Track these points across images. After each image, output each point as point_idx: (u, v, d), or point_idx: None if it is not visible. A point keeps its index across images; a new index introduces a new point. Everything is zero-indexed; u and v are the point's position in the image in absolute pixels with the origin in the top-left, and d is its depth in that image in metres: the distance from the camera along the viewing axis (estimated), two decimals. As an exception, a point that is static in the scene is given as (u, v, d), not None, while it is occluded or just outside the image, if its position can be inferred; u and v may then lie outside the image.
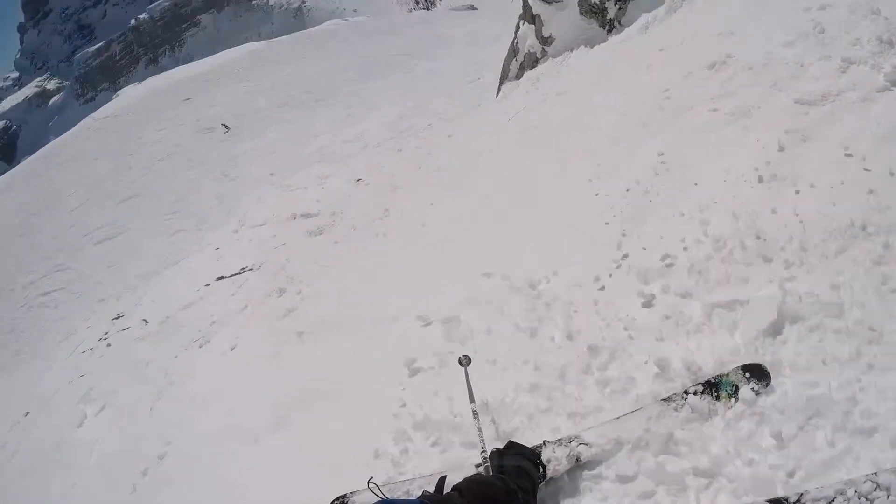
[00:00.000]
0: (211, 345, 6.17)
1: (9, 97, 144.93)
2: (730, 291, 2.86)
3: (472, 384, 2.93)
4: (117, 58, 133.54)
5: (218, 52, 26.93)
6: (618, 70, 6.66)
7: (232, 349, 5.76)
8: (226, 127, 17.02)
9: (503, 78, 10.84)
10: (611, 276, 3.40)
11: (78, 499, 4.95)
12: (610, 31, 8.25)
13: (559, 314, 3.36)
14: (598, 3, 8.46)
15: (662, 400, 2.68)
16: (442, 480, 2.32)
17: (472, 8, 31.04)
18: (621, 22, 8.09)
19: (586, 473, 2.60)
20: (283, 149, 14.95)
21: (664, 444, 2.52)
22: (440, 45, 21.26)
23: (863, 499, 1.94)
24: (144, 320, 7.75)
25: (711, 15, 6.04)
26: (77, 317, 9.89)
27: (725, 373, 2.63)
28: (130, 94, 23.94)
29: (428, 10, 30.89)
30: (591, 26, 8.67)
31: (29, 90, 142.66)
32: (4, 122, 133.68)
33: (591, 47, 8.33)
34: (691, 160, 3.91)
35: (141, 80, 26.77)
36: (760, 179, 3.32)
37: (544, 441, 2.71)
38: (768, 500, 2.10)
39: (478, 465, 2.68)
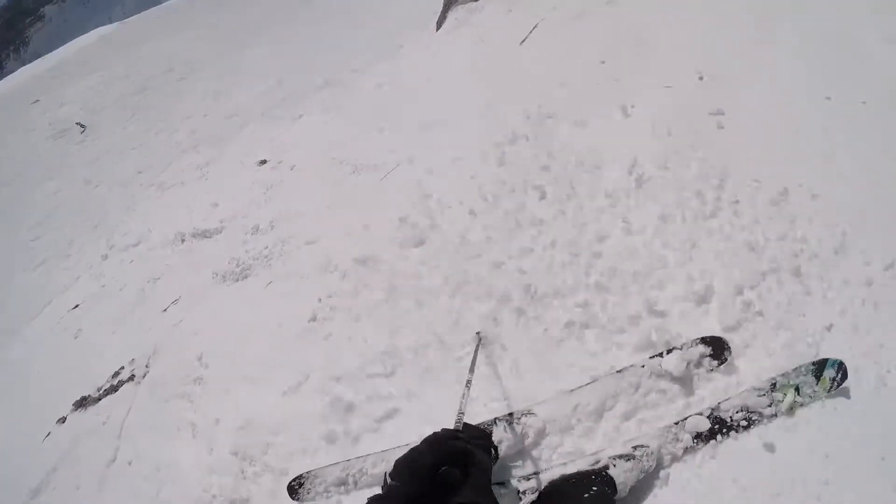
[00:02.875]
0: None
1: None
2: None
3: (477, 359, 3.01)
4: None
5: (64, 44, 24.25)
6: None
7: None
8: (81, 126, 15.13)
9: (450, 1, 8.97)
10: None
11: None
12: None
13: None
14: None
15: (617, 371, 2.85)
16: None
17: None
18: None
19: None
20: (149, 139, 13.22)
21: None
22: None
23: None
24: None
25: None
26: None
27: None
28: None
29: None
30: None
31: None
32: None
33: None
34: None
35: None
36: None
37: (495, 419, 2.83)
38: None
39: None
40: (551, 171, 4.40)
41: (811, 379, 2.58)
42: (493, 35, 7.24)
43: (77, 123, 15.31)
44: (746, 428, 2.61)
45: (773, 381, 2.65)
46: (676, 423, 2.68)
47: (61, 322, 7.11)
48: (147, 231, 8.38)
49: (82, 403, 5.23)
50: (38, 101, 17.86)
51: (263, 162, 8.15)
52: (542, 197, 4.19)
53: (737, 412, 2.65)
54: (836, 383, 2.55)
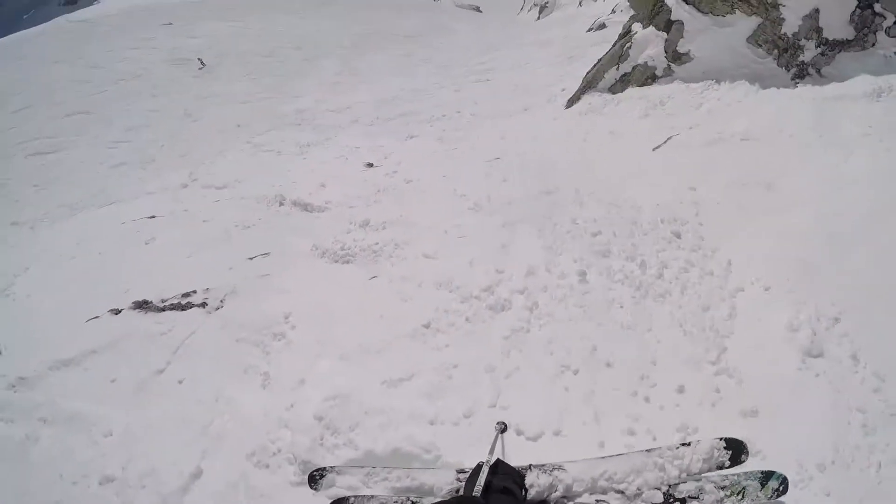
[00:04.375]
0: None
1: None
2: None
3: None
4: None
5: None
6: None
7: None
8: (202, 63, 15.54)
9: (588, 85, 9.00)
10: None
11: None
12: (798, 78, 6.68)
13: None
14: (789, 36, 6.75)
15: (647, 451, 2.98)
16: None
17: (477, 9, 30.05)
18: (821, 72, 6.54)
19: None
20: (258, 101, 13.52)
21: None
22: (444, 34, 20.07)
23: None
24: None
25: None
26: (-23, 235, 8.39)
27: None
28: (113, 4, 22.00)
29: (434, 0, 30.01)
30: (762, 61, 6.98)
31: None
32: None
33: (763, 87, 6.73)
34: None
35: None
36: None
37: (530, 465, 3.00)
38: None
39: (460, 472, 3.06)
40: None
41: (757, 485, 2.79)
42: (625, 132, 7.32)
43: (198, 59, 15.71)
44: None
45: (727, 479, 2.85)
46: (636, 493, 2.87)
47: (133, 225, 7.10)
48: (234, 181, 8.47)
49: (142, 306, 5.17)
50: (170, 23, 18.43)
51: (370, 165, 8.26)
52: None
53: (690, 496, 2.83)
54: (776, 493, 2.76)
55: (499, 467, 2.85)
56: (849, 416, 3.11)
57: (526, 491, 2.87)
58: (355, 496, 3.13)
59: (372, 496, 3.11)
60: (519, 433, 3.40)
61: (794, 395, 3.31)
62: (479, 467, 2.79)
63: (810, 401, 3.25)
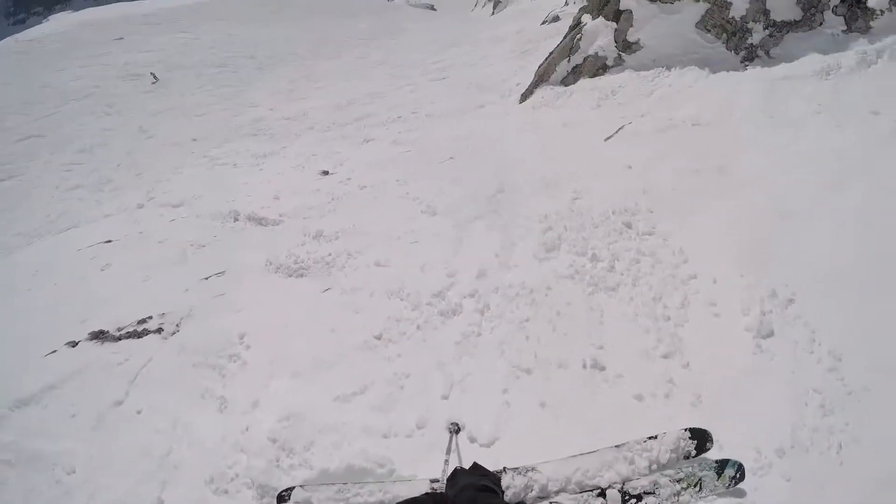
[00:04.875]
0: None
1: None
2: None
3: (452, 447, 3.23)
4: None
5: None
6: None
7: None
8: (154, 77, 15.35)
9: (540, 79, 9.10)
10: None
11: None
12: (747, 60, 6.85)
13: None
14: (737, 19, 6.93)
15: (616, 446, 3.04)
16: None
17: (432, 8, 30.04)
18: (770, 54, 6.71)
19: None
20: (213, 113, 13.38)
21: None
22: (399, 35, 20.02)
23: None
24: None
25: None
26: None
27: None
28: (62, 22, 21.68)
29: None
30: (711, 45, 7.15)
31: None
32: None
33: (713, 71, 6.88)
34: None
35: (77, 9, 24.49)
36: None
37: (504, 468, 3.00)
38: None
39: (433, 481, 3.04)
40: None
41: (713, 475, 2.87)
42: (577, 124, 7.40)
43: (151, 73, 15.52)
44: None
45: (681, 471, 2.93)
46: (591, 491, 2.93)
47: (89, 251, 7.04)
48: (191, 197, 8.41)
49: (99, 336, 5.14)
50: (122, 38, 18.19)
51: (326, 173, 8.27)
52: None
53: (645, 491, 2.90)
54: (734, 481, 2.85)
55: (477, 469, 2.90)
56: (806, 398, 3.17)
57: (503, 493, 2.90)
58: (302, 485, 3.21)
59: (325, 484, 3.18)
60: (472, 440, 3.44)
61: (749, 380, 3.38)
62: (454, 472, 2.86)
63: (766, 385, 3.32)
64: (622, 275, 4.43)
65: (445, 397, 3.73)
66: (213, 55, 17.13)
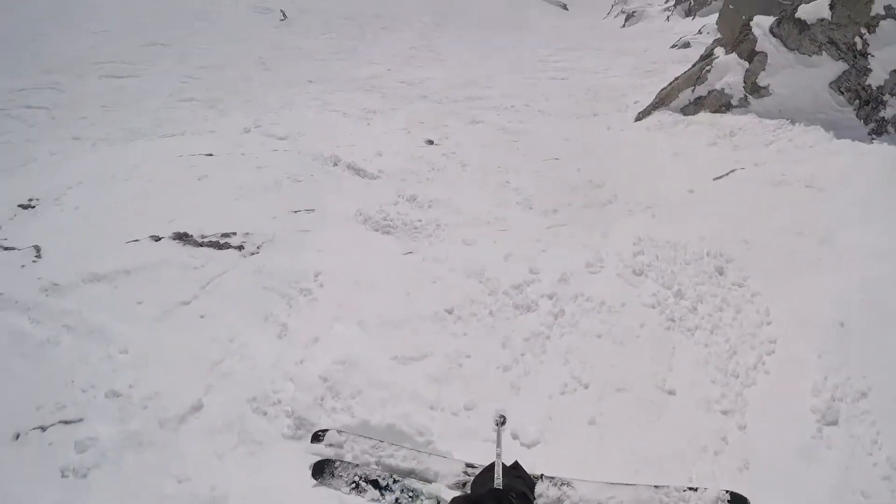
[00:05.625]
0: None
1: None
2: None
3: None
4: None
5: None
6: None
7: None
8: (283, 14, 15.70)
9: (660, 102, 8.94)
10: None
11: None
12: (876, 133, 6.51)
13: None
14: (874, 88, 6.58)
15: (655, 486, 2.92)
16: None
17: (564, 7, 29.69)
18: None
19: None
20: (332, 61, 13.61)
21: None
22: (526, 26, 19.91)
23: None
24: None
25: None
26: (44, 147, 8.61)
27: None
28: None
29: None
30: (841, 109, 6.80)
31: None
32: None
33: (838, 136, 6.52)
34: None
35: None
36: None
37: (542, 475, 2.96)
38: None
39: (469, 465, 3.03)
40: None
41: None
42: (689, 156, 7.17)
43: (281, 10, 15.86)
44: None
45: None
46: None
47: (190, 159, 7.21)
48: (296, 133, 8.51)
49: (182, 237, 5.26)
50: (261, -29, 18.62)
51: (431, 142, 8.25)
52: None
53: None
54: None
55: (517, 469, 2.84)
56: (852, 499, 3.01)
57: (534, 500, 2.84)
58: (340, 461, 3.13)
59: (356, 464, 3.12)
60: (514, 437, 3.37)
61: (801, 462, 3.21)
62: (492, 465, 2.71)
63: (816, 473, 3.15)
64: (703, 319, 4.24)
65: (500, 387, 3.67)
66: (343, 6, 17.43)
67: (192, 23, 14.63)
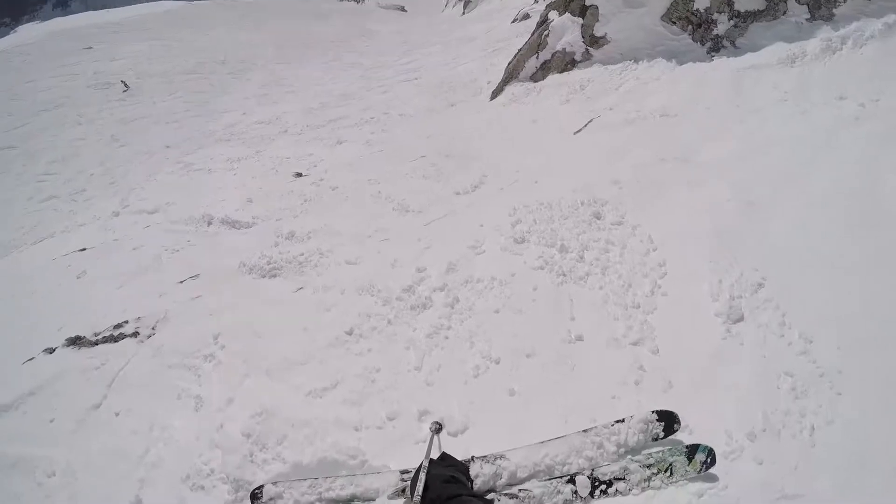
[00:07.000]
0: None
1: None
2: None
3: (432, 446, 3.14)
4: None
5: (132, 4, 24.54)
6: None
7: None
8: (125, 85, 15.28)
9: (510, 76, 9.28)
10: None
11: None
12: (714, 51, 7.00)
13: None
14: (702, 11, 7.09)
15: (583, 431, 3.09)
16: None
17: (402, 9, 30.09)
18: (736, 44, 6.88)
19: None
20: (185, 120, 13.43)
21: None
22: (369, 37, 20.20)
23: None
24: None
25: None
26: None
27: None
28: (29, 33, 21.34)
29: (358, 2, 30.23)
30: (677, 37, 7.34)
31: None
32: None
33: (680, 63, 7.04)
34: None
35: (45, 20, 24.30)
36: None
37: (472, 456, 3.05)
38: None
39: (403, 472, 3.13)
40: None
41: (684, 460, 2.88)
42: (547, 119, 7.55)
43: (122, 81, 15.46)
44: (622, 493, 2.92)
45: (651, 457, 2.97)
46: (560, 478, 2.96)
47: (65, 259, 7.07)
48: (165, 204, 8.44)
49: (76, 342, 5.19)
50: (91, 48, 18.04)
51: (299, 175, 8.35)
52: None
53: (615, 477, 2.94)
54: (705, 466, 2.85)
55: (445, 459, 2.95)
56: (777, 382, 3.21)
57: (472, 482, 2.92)
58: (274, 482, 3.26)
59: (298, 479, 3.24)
60: (443, 429, 3.51)
61: (719, 364, 3.42)
62: (421, 466, 2.82)
63: (736, 369, 3.36)
64: (591, 265, 4.51)
65: (415, 389, 3.81)
66: (184, 62, 17.07)
67: (32, 117, 14.04)
